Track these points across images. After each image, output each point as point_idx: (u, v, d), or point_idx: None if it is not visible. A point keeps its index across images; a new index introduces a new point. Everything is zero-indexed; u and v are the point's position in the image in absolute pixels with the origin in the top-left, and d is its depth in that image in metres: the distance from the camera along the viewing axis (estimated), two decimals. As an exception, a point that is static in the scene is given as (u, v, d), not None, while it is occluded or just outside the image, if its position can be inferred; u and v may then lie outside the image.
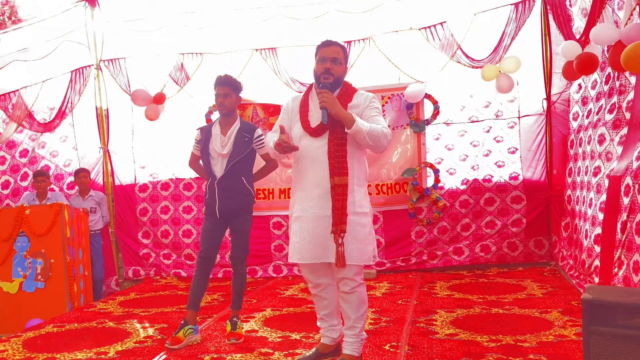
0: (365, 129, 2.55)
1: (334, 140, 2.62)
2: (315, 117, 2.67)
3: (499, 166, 5.52)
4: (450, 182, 5.62)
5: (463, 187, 5.57)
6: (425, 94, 5.48)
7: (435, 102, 5.51)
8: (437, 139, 5.71)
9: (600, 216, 3.74)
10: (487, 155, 5.56)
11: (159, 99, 5.73)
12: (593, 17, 3.76)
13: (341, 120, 2.57)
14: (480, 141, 5.58)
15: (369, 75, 5.64)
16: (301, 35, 5.52)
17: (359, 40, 5.58)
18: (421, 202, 5.53)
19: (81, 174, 5.73)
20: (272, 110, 5.60)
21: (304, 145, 2.70)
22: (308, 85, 2.88)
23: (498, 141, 5.54)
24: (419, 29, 5.39)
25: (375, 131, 2.57)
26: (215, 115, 5.68)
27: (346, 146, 2.62)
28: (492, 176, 5.53)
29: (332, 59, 2.67)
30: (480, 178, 5.54)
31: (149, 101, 5.73)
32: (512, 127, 5.52)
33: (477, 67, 5.21)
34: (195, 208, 6.05)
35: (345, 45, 5.51)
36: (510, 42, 5.09)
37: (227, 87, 3.42)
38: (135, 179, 6.16)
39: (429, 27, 5.35)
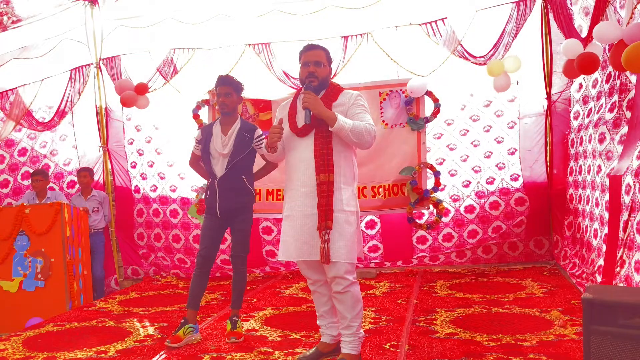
0: (347, 126, 2.60)
1: (319, 138, 2.68)
2: (301, 118, 2.73)
3: (500, 168, 5.43)
4: (451, 184, 5.51)
5: (465, 189, 5.46)
6: (427, 90, 5.25)
7: (436, 100, 5.23)
8: (439, 138, 5.59)
9: (607, 215, 3.74)
10: (488, 157, 5.46)
11: (141, 89, 5.66)
12: (597, 16, 3.75)
13: (324, 119, 2.63)
14: (481, 141, 5.48)
15: (366, 71, 5.53)
16: (297, 31, 5.47)
17: (356, 35, 5.47)
18: (420, 206, 5.19)
19: (82, 174, 5.72)
20: (263, 106, 5.47)
21: (292, 146, 2.78)
22: (299, 77, 2.91)
23: (499, 142, 5.45)
24: (419, 25, 5.29)
25: (358, 128, 2.62)
26: (203, 111, 5.62)
27: (332, 144, 2.68)
28: (494, 178, 5.44)
29: (315, 62, 2.75)
30: (482, 181, 5.44)
31: (131, 89, 5.64)
32: (511, 127, 5.43)
33: (478, 64, 5.12)
34: (180, 211, 5.99)
35: (342, 40, 5.46)
36: (512, 41, 5.02)
37: (229, 86, 3.44)
38: (129, 179, 6.13)
39: (430, 22, 5.26)
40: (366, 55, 5.49)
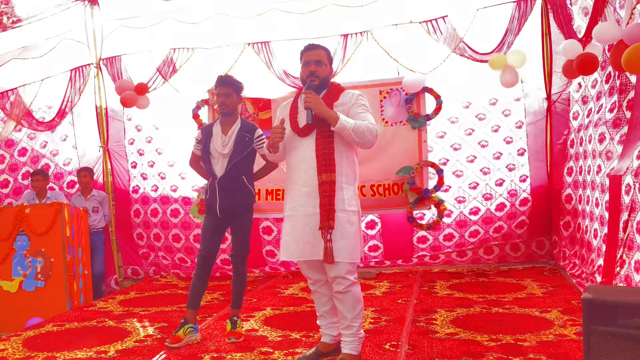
0: (349, 126, 2.61)
1: (321, 138, 2.69)
2: (303, 118, 2.74)
3: (510, 169, 5.33)
4: (457, 186, 5.42)
5: (472, 191, 5.37)
6: (427, 87, 5.10)
7: (437, 97, 5.09)
8: (442, 137, 5.46)
9: (607, 215, 3.74)
10: (498, 158, 5.36)
11: (141, 89, 5.66)
12: (595, 16, 3.75)
13: (325, 118, 2.64)
14: (489, 141, 5.37)
15: (367, 70, 5.48)
16: (297, 29, 5.47)
17: (356, 33, 5.42)
18: (421, 206, 5.09)
19: (81, 174, 5.74)
20: (262, 105, 5.44)
21: (294, 146, 2.79)
22: (300, 77, 2.91)
23: (508, 142, 5.33)
24: (420, 23, 5.23)
25: (360, 127, 2.63)
26: (203, 111, 5.62)
27: (334, 144, 2.68)
28: (503, 180, 5.35)
29: (316, 62, 2.76)
30: (492, 183, 5.36)
31: (131, 90, 5.64)
32: (519, 127, 5.32)
33: (480, 61, 5.03)
34: (182, 211, 5.97)
35: (342, 38, 5.41)
36: (514, 39, 4.96)
37: (229, 87, 3.44)
38: (129, 179, 6.13)
39: (430, 20, 5.20)
40: (366, 54, 5.44)
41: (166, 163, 6.05)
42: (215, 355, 3.08)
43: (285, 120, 2.82)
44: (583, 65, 3.77)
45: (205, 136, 3.53)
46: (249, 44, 5.66)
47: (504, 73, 4.86)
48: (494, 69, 4.87)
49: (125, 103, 5.64)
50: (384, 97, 5.25)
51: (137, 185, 6.13)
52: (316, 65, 2.74)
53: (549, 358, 2.73)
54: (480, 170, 5.43)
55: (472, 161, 5.45)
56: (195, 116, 5.55)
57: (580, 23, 4.37)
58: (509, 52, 4.91)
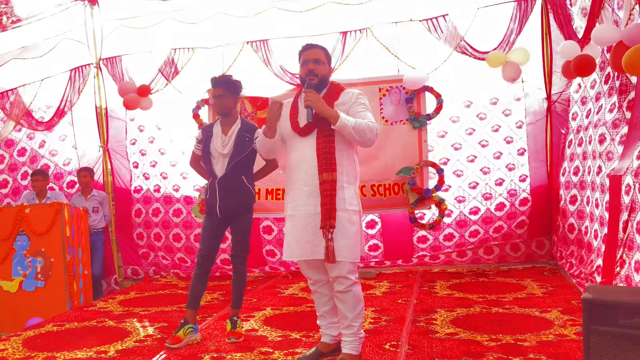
0: (350, 124, 2.61)
1: (321, 137, 2.69)
2: (303, 117, 2.73)
3: (510, 169, 5.33)
4: (457, 185, 5.41)
5: (472, 191, 5.36)
6: (428, 86, 5.07)
7: (438, 96, 5.06)
8: (443, 136, 5.44)
9: (607, 216, 3.74)
10: (498, 157, 5.35)
11: (144, 91, 5.68)
12: (593, 17, 3.76)
13: (326, 117, 2.64)
14: (490, 141, 5.36)
15: (366, 67, 5.46)
16: (296, 27, 5.48)
17: (355, 31, 5.41)
18: (422, 206, 5.09)
19: (81, 174, 5.75)
20: (260, 104, 5.43)
21: (294, 146, 2.79)
22: (299, 77, 2.91)
23: (508, 142, 5.33)
24: (420, 21, 5.22)
25: (360, 125, 2.63)
26: (203, 110, 5.61)
27: (334, 143, 2.68)
28: (502, 180, 5.34)
29: (314, 60, 2.76)
30: (492, 182, 5.34)
31: (133, 92, 5.66)
32: (520, 127, 5.32)
33: (481, 59, 5.00)
34: (184, 210, 5.98)
35: (341, 36, 5.40)
36: (516, 38, 4.95)
37: (222, 87, 3.43)
38: (131, 179, 6.13)
39: (431, 19, 5.18)
40: (366, 51, 5.42)
41: (168, 163, 6.05)
42: (215, 355, 3.09)
43: (285, 120, 2.82)
44: (580, 67, 3.78)
45: (205, 136, 3.53)
46: (247, 42, 5.66)
47: (505, 68, 4.84)
48: (492, 66, 4.89)
49: (128, 105, 5.67)
50: (384, 95, 5.20)
51: (139, 185, 6.13)
52: (315, 64, 2.74)
53: (549, 358, 2.74)
54: (480, 170, 5.43)
55: (472, 161, 5.45)
56: (196, 116, 5.54)
57: (579, 24, 4.37)
58: (513, 49, 4.90)
